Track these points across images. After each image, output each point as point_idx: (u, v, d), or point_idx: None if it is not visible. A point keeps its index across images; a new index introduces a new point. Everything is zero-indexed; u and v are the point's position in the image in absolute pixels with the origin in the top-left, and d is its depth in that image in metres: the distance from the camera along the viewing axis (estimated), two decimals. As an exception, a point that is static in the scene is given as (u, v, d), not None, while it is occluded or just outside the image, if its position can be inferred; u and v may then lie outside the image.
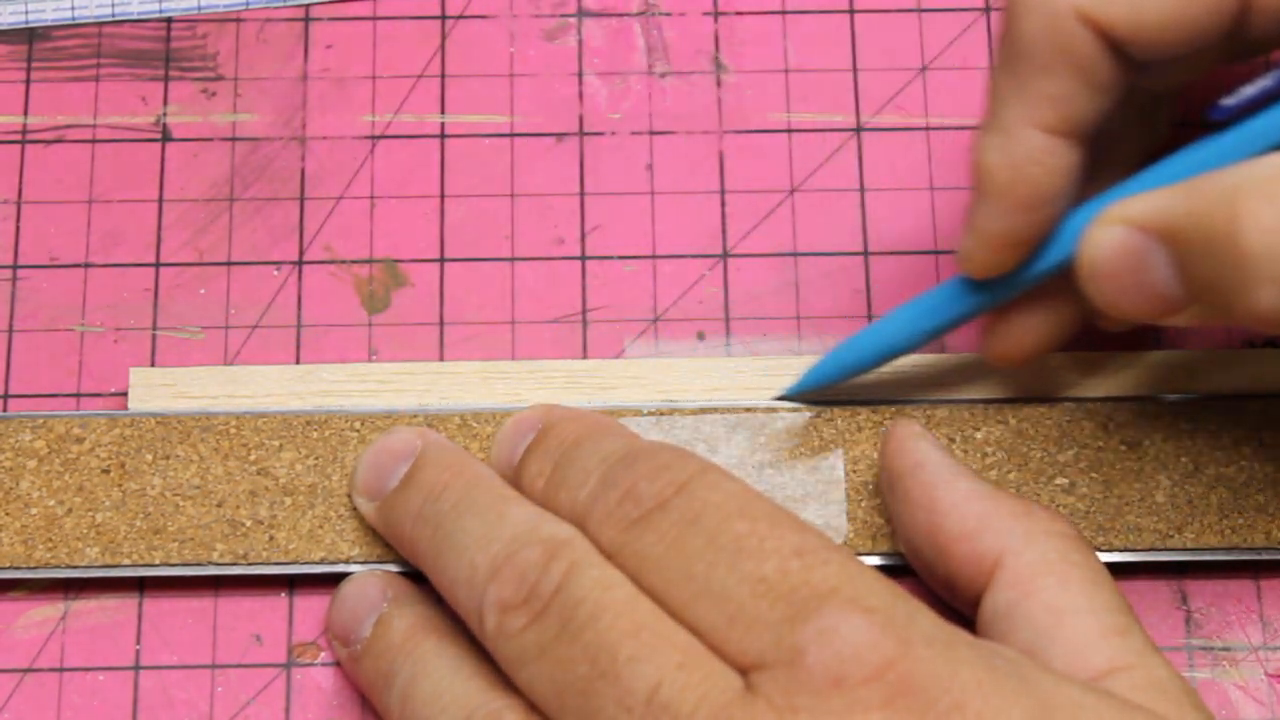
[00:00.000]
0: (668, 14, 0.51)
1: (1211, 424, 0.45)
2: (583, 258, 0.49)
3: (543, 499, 0.40)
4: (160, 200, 0.49)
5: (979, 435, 0.45)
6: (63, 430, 0.45)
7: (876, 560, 0.44)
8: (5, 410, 0.47)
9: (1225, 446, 0.45)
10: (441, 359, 0.48)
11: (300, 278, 0.49)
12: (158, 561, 0.44)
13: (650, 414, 0.45)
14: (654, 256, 0.49)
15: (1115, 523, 0.44)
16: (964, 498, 0.40)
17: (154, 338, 0.48)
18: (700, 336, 0.48)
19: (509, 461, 0.42)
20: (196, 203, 0.49)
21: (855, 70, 0.51)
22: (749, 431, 0.45)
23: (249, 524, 0.44)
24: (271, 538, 0.44)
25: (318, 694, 0.44)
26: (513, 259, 0.49)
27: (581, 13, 0.51)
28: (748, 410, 0.45)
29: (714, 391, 0.46)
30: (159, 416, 0.45)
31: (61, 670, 0.45)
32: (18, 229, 0.49)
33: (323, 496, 0.44)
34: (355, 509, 0.44)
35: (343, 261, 0.49)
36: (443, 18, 0.51)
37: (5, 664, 0.45)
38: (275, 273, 0.49)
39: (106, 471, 0.44)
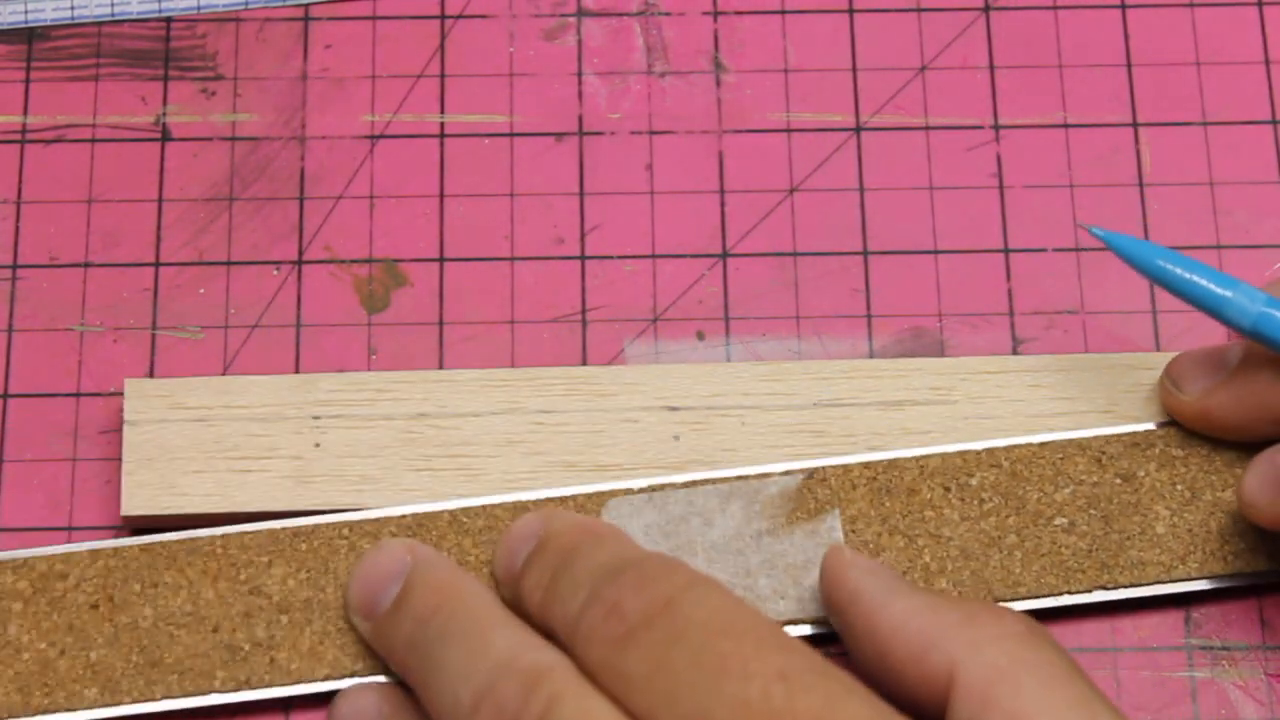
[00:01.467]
0: (667, 14, 0.51)
1: (1203, 448, 0.45)
2: (582, 257, 0.49)
3: (540, 612, 0.40)
4: (160, 200, 0.49)
5: (974, 481, 0.45)
6: (45, 568, 0.43)
7: None
8: (5, 409, 0.47)
9: (1219, 470, 0.45)
10: (441, 359, 0.48)
11: (300, 277, 0.49)
12: (159, 696, 0.42)
13: (641, 491, 0.44)
14: (654, 256, 0.49)
15: (1119, 559, 0.44)
16: (904, 619, 0.39)
17: (153, 337, 0.48)
18: (700, 336, 0.48)
19: (510, 570, 0.42)
20: (196, 202, 0.49)
21: (855, 70, 0.51)
22: (743, 500, 0.44)
23: (248, 647, 0.43)
24: (272, 660, 0.43)
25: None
26: (512, 259, 0.49)
27: (581, 12, 0.51)
28: (739, 478, 0.44)
29: (714, 397, 0.46)
30: (142, 544, 0.44)
31: None
32: (17, 229, 0.49)
33: (319, 611, 0.43)
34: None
35: (342, 261, 0.49)
36: (442, 17, 0.51)
37: None
38: (275, 272, 0.49)
39: (95, 607, 0.43)
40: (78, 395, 0.47)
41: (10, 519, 0.46)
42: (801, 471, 0.44)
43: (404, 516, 0.44)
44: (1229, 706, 0.45)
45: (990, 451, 0.45)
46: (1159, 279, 0.42)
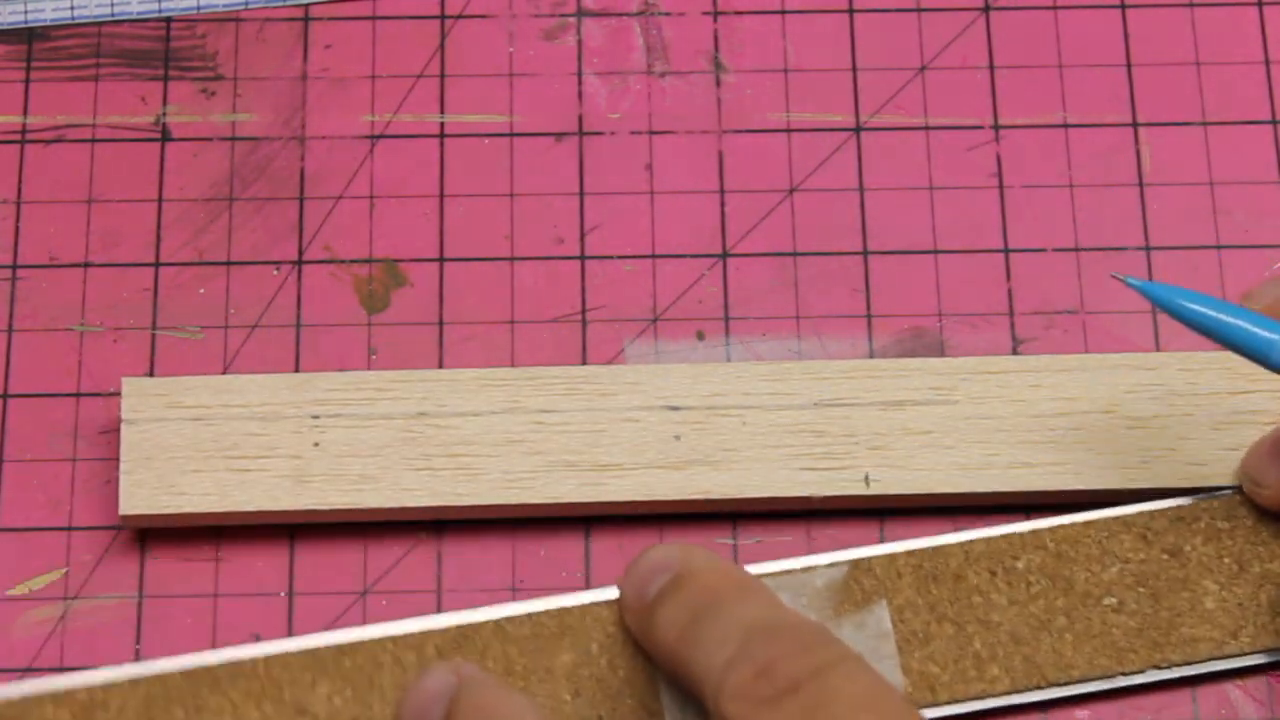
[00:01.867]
0: (667, 14, 0.51)
1: (1248, 519, 0.45)
2: (582, 257, 0.49)
3: (674, 651, 0.40)
4: (160, 200, 0.49)
5: (1020, 565, 0.44)
6: (85, 698, 0.41)
7: (937, 712, 0.43)
8: (5, 409, 0.47)
9: (1265, 541, 0.45)
10: (441, 359, 0.48)
11: (300, 277, 0.49)
12: None
13: None
14: (653, 256, 0.49)
15: (1170, 637, 0.44)
16: None
17: (153, 337, 0.48)
18: (700, 336, 0.48)
19: (640, 599, 0.41)
20: (196, 202, 0.49)
21: (854, 70, 0.51)
22: (790, 594, 0.43)
23: None
24: None
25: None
26: (512, 259, 0.49)
27: (581, 12, 0.51)
28: (785, 573, 0.44)
29: (714, 397, 0.46)
30: (183, 670, 0.42)
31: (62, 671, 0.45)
32: (17, 229, 0.49)
33: None
34: None
35: (342, 261, 0.49)
36: (442, 17, 0.51)
37: (5, 664, 0.45)
38: (275, 272, 0.49)
39: None
40: (77, 395, 0.47)
41: (10, 519, 0.46)
42: (846, 562, 0.44)
43: (447, 629, 0.43)
44: (1229, 706, 0.45)
45: (1035, 533, 0.45)
46: (1199, 326, 0.42)
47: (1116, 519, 0.45)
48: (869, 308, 0.49)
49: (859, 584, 0.44)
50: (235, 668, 0.42)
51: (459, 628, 0.43)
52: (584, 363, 0.48)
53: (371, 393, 0.46)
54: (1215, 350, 0.47)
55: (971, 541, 0.44)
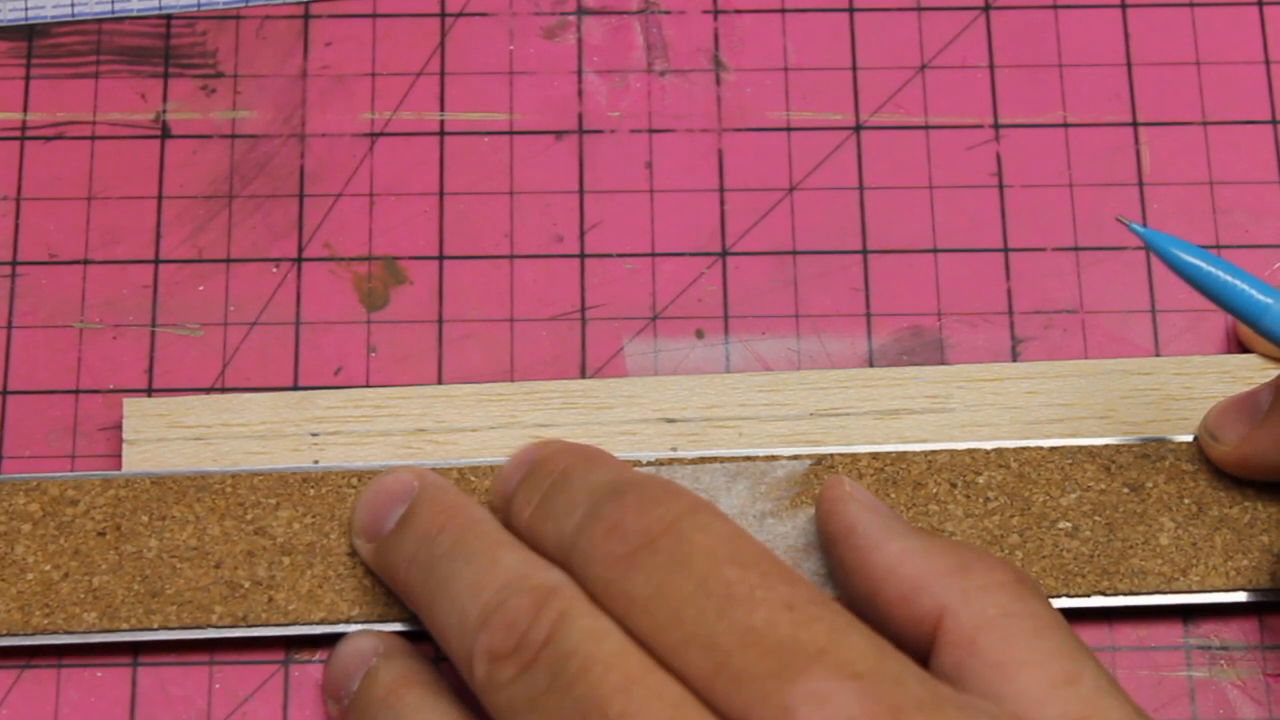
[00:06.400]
0: (667, 12, 0.51)
1: (1214, 465, 0.45)
2: (582, 256, 0.49)
3: (529, 528, 0.40)
4: (160, 197, 0.49)
5: (980, 480, 0.45)
6: (57, 493, 0.44)
7: None
8: (5, 406, 0.47)
9: (1228, 487, 0.45)
10: (440, 357, 0.48)
11: (299, 275, 0.49)
12: (157, 625, 0.43)
13: (650, 465, 0.45)
14: (653, 254, 0.49)
15: (1120, 566, 0.44)
16: (897, 560, 0.39)
17: (153, 334, 0.48)
18: (699, 335, 0.48)
19: (503, 495, 0.42)
20: (196, 200, 0.49)
21: (854, 69, 0.51)
22: (749, 481, 0.44)
23: (247, 585, 0.43)
24: (270, 599, 0.43)
25: (316, 691, 0.44)
26: (512, 257, 0.49)
27: (581, 11, 0.51)
28: (747, 459, 0.45)
29: (711, 409, 0.46)
30: (154, 477, 0.44)
31: (60, 667, 0.45)
32: (17, 225, 0.49)
33: (321, 555, 0.44)
34: (355, 566, 0.44)
35: (342, 259, 0.49)
36: (442, 15, 0.51)
37: (3, 657, 0.45)
38: (274, 270, 0.49)
39: (102, 534, 0.44)
40: (76, 392, 0.47)
41: (9, 516, 0.46)
42: (810, 457, 0.45)
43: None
44: (1227, 706, 0.45)
45: (999, 452, 0.45)
46: (1195, 281, 0.41)
47: (1082, 448, 0.45)
48: (869, 307, 0.49)
49: (819, 479, 0.44)
50: (204, 482, 0.44)
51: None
52: (583, 361, 0.48)
53: (370, 409, 0.46)
54: (1210, 354, 0.47)
55: (936, 452, 0.45)
